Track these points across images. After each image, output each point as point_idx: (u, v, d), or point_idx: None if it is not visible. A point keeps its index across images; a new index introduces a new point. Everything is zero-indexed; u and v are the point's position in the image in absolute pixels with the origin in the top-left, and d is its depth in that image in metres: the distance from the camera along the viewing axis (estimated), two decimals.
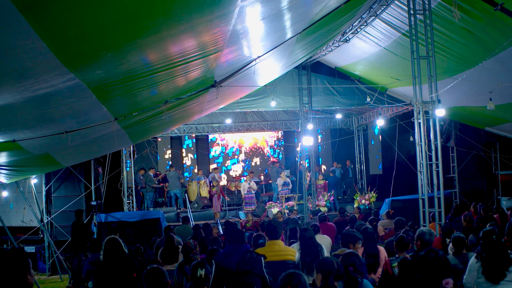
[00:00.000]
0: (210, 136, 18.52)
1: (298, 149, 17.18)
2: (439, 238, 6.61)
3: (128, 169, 13.55)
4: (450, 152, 14.38)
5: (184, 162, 18.16)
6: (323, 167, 17.32)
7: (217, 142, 18.63)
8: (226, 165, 18.56)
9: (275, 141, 19.23)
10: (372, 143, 18.49)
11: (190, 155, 18.32)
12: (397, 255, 5.52)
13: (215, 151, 18.43)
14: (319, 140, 19.01)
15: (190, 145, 18.36)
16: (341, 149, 18.76)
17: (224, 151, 18.68)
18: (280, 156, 19.08)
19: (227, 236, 6.24)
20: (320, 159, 18.58)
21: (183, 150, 18.32)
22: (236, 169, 18.69)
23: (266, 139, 19.13)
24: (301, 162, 14.69)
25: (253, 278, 3.49)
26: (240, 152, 18.83)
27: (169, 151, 18.09)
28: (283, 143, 19.26)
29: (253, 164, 18.57)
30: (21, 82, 4.12)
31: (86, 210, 12.34)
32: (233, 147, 18.77)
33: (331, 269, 3.30)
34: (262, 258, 3.97)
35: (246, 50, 6.92)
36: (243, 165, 18.72)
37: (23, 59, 3.68)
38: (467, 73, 9.15)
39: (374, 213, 11.17)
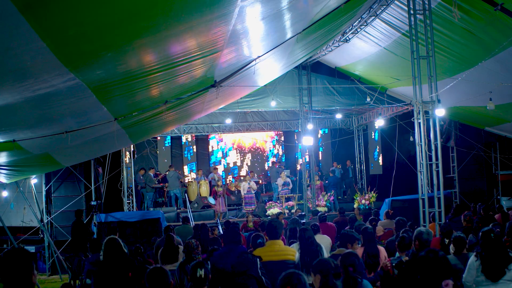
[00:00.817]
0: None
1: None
2: (437, 238, 6.60)
3: (128, 168, 13.55)
4: (450, 152, 14.38)
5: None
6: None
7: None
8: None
9: (273, 140, 19.17)
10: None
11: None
12: (398, 255, 5.52)
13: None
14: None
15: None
16: (341, 149, 18.74)
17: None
18: (281, 159, 19.01)
19: (224, 236, 6.24)
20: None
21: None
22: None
23: (266, 139, 19.07)
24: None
25: (249, 279, 3.49)
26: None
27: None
28: (283, 146, 19.20)
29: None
30: (21, 82, 4.11)
31: (86, 210, 12.34)
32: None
33: (329, 268, 3.30)
34: (258, 259, 3.97)
35: (246, 50, 6.92)
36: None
37: (23, 59, 3.68)
38: (467, 73, 9.15)
39: (374, 213, 11.15)
